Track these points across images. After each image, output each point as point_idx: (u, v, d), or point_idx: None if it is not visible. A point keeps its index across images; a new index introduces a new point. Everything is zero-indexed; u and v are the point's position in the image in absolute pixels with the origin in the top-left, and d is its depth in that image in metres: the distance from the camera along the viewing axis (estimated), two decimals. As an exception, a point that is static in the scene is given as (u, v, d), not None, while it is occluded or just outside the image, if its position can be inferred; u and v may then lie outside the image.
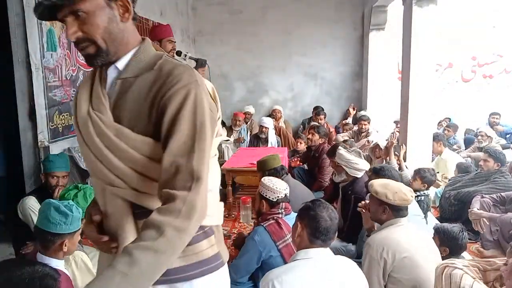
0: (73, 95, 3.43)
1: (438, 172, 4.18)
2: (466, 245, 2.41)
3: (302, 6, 7.08)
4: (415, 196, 3.03)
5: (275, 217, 2.42)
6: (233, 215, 4.15)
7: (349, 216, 3.00)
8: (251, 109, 6.77)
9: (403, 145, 4.31)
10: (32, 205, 2.60)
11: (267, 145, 5.54)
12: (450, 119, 6.58)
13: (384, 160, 4.05)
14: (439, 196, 4.07)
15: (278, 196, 2.48)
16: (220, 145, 5.36)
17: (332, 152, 3.51)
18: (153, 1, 5.29)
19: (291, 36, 7.21)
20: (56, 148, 3.20)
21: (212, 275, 1.10)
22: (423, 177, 3.35)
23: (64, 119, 3.34)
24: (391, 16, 6.54)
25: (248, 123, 6.53)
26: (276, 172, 3.21)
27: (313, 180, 4.49)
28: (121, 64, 1.04)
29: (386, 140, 4.36)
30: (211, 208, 1.00)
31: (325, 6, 7.08)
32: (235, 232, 3.70)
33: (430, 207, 3.45)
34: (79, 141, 1.08)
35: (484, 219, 3.15)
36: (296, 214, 1.90)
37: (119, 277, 0.81)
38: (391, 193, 2.11)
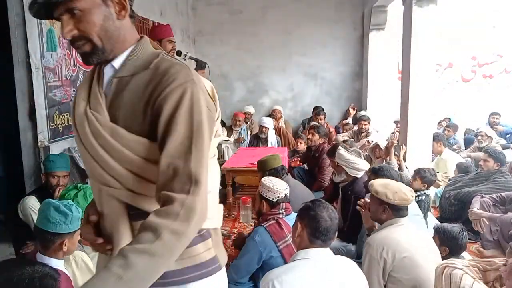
0: (73, 95, 3.43)
1: (438, 172, 4.18)
2: (466, 245, 2.41)
3: (302, 6, 7.08)
4: (416, 196, 3.03)
5: (275, 218, 2.42)
6: (233, 215, 4.15)
7: (349, 216, 3.00)
8: (251, 109, 6.77)
9: (403, 145, 4.31)
10: (32, 205, 2.60)
11: (267, 145, 5.54)
12: (450, 119, 6.58)
13: (384, 160, 4.05)
14: (439, 196, 4.07)
15: (278, 196, 2.48)
16: (220, 145, 5.37)
17: (332, 152, 3.51)
18: (153, 1, 5.29)
19: (291, 36, 7.21)
20: (56, 148, 3.20)
21: (209, 279, 1.08)
22: (423, 177, 3.35)
23: (64, 119, 3.34)
24: (391, 16, 6.53)
25: (248, 123, 6.53)
26: (277, 172, 3.21)
27: (313, 180, 4.49)
28: (117, 62, 1.03)
29: (386, 140, 4.37)
30: (210, 210, 0.97)
31: (325, 6, 7.07)
32: (235, 232, 3.70)
33: (430, 207, 3.46)
34: (77, 141, 1.07)
35: (484, 219, 3.16)
36: (296, 214, 1.90)
37: (114, 279, 0.80)
38: (391, 193, 2.11)
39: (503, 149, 4.58)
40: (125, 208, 1.01)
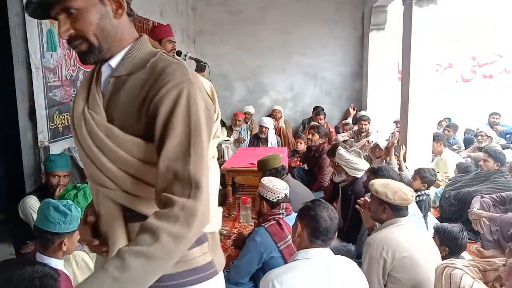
0: (73, 95, 3.43)
1: (438, 172, 4.18)
2: (466, 245, 2.41)
3: (302, 6, 7.08)
4: (416, 196, 3.03)
5: (276, 218, 2.42)
6: (233, 215, 4.15)
7: (349, 216, 3.00)
8: (251, 109, 6.77)
9: (403, 145, 4.31)
10: (33, 205, 2.61)
11: (267, 145, 5.54)
12: (450, 119, 6.58)
13: (384, 160, 4.05)
14: (439, 196, 4.07)
15: (278, 197, 2.48)
16: (220, 145, 5.37)
17: (332, 152, 3.51)
18: (153, 1, 5.29)
19: (291, 36, 7.20)
20: (56, 148, 3.20)
21: (204, 284, 1.05)
22: (423, 177, 3.35)
23: (64, 119, 3.34)
24: (391, 16, 6.53)
25: (248, 123, 6.53)
26: (277, 172, 3.21)
27: (313, 180, 4.49)
28: (114, 61, 1.02)
29: (386, 140, 4.36)
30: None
31: (325, 6, 7.07)
32: (235, 232, 3.70)
33: (430, 207, 3.46)
34: (75, 140, 1.05)
35: (484, 219, 3.16)
36: (296, 214, 1.90)
37: (109, 281, 0.79)
38: (391, 193, 2.11)
39: (503, 149, 4.58)
40: (120, 209, 1.00)
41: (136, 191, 0.97)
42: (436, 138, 4.59)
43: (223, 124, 6.36)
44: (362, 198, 2.47)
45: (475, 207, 3.32)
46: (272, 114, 6.79)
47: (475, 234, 3.40)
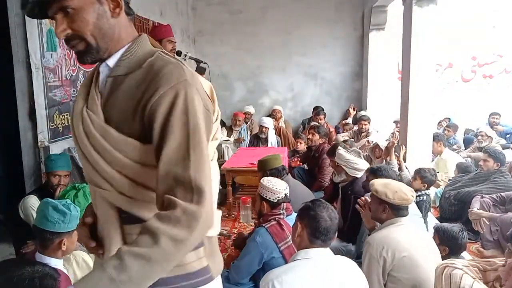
0: (73, 95, 3.43)
1: (438, 172, 4.18)
2: (465, 244, 2.41)
3: (302, 6, 7.08)
4: (416, 196, 3.03)
5: (276, 218, 2.41)
6: (233, 215, 4.15)
7: (349, 216, 3.00)
8: (251, 109, 6.77)
9: (403, 145, 4.31)
10: (33, 204, 2.61)
11: (267, 145, 5.54)
12: (450, 119, 6.58)
13: (384, 160, 4.05)
14: (439, 196, 4.07)
15: (278, 197, 2.47)
16: (220, 145, 5.37)
17: (332, 151, 3.51)
18: (153, 1, 5.29)
19: (291, 36, 7.20)
20: (56, 148, 3.20)
21: None
22: (423, 177, 3.35)
23: (64, 119, 3.34)
24: (391, 16, 6.53)
25: (248, 123, 6.53)
26: (278, 172, 3.21)
27: (313, 180, 4.49)
28: (112, 61, 1.00)
29: (387, 140, 4.36)
30: None
31: (325, 6, 7.07)
32: (235, 232, 3.71)
33: (430, 207, 3.46)
34: (73, 140, 1.05)
35: (484, 219, 3.16)
36: (296, 214, 1.90)
37: (107, 280, 0.78)
38: (391, 192, 2.11)
39: (503, 149, 4.58)
40: (116, 211, 0.99)
41: (132, 193, 0.96)
42: (436, 138, 4.59)
43: (223, 124, 6.36)
44: (363, 198, 2.47)
45: (475, 207, 3.32)
46: (272, 114, 6.79)
47: (475, 234, 3.40)
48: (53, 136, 3.21)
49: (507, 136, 6.08)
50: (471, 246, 3.32)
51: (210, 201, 0.89)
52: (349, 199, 3.05)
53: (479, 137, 5.40)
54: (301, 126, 7.10)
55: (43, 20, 3.02)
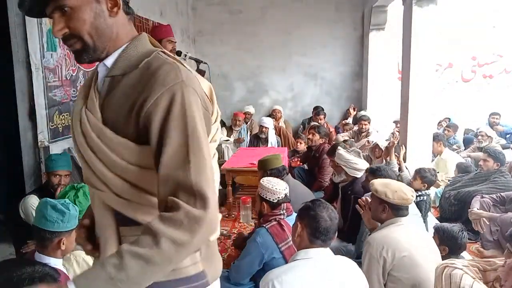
0: (73, 95, 3.43)
1: (438, 172, 4.18)
2: (465, 244, 2.41)
3: (302, 6, 7.08)
4: (416, 196, 3.03)
5: (277, 219, 2.41)
6: (233, 215, 4.15)
7: (349, 216, 3.00)
8: (251, 109, 6.77)
9: (403, 146, 4.30)
10: (33, 204, 2.60)
11: (267, 145, 5.54)
12: (450, 119, 6.58)
13: (384, 160, 4.05)
14: (439, 196, 4.07)
15: (278, 197, 2.47)
16: (220, 145, 5.37)
17: (332, 151, 3.51)
18: (153, 1, 5.29)
19: (291, 36, 7.20)
20: (56, 148, 3.20)
21: None
22: (424, 177, 3.35)
23: (64, 119, 3.34)
24: (391, 16, 6.53)
25: (248, 123, 6.53)
26: (278, 172, 3.21)
27: (313, 180, 4.49)
28: (109, 61, 0.99)
29: (387, 140, 4.36)
30: None
31: (325, 6, 7.07)
32: (235, 232, 3.71)
33: (430, 207, 3.45)
34: (72, 140, 1.04)
35: (484, 219, 3.16)
36: (296, 214, 1.90)
37: (105, 277, 0.78)
38: (391, 192, 2.11)
39: (503, 149, 4.58)
40: (112, 213, 0.98)
41: (128, 195, 0.95)
42: (436, 138, 4.59)
43: (223, 124, 6.36)
44: (363, 198, 2.46)
45: (475, 207, 3.32)
46: (272, 114, 6.79)
47: (475, 234, 3.39)
48: (53, 136, 3.21)
49: (507, 136, 6.09)
50: (471, 246, 3.32)
51: (215, 206, 0.87)
52: (349, 199, 3.05)
53: (479, 137, 5.40)
54: (301, 126, 7.10)
55: (43, 20, 3.02)
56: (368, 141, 5.23)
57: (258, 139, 5.62)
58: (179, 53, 3.15)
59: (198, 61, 3.20)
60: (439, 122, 6.50)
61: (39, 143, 3.05)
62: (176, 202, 0.84)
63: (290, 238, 2.29)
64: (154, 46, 1.04)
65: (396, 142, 4.14)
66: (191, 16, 7.20)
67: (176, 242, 0.81)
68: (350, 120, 6.83)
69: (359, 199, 2.49)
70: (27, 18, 2.87)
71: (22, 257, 2.40)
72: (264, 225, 2.39)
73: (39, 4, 0.94)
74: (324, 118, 6.43)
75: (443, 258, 2.10)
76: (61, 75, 3.29)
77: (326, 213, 1.75)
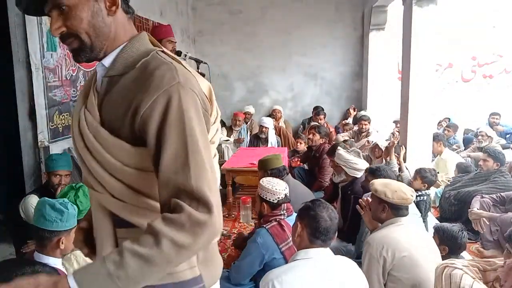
0: (73, 95, 3.43)
1: (438, 173, 4.18)
2: (465, 244, 2.41)
3: (302, 6, 7.08)
4: (416, 196, 3.03)
5: (277, 219, 2.40)
6: (233, 215, 4.15)
7: (349, 216, 3.00)
8: (251, 109, 6.77)
9: (403, 146, 4.30)
10: (34, 204, 2.59)
11: (267, 145, 5.54)
12: (450, 119, 6.58)
13: (384, 160, 4.05)
14: (439, 196, 4.07)
15: (278, 198, 2.46)
16: (220, 145, 5.37)
17: (332, 151, 3.52)
18: (153, 1, 5.29)
19: (291, 36, 7.21)
20: (56, 148, 3.20)
21: None
22: (424, 177, 3.34)
23: (64, 119, 3.34)
24: (391, 16, 6.53)
25: (248, 123, 6.53)
26: (278, 172, 3.21)
27: (313, 180, 4.49)
28: (107, 60, 0.98)
29: (387, 140, 4.36)
30: None
31: (325, 6, 7.08)
32: (235, 232, 3.71)
33: (430, 207, 3.45)
34: (72, 140, 1.03)
35: (484, 219, 3.16)
36: (296, 214, 1.90)
37: (104, 274, 0.78)
38: (391, 192, 2.11)
39: (503, 149, 4.58)
40: (109, 215, 0.97)
41: (124, 197, 0.94)
42: (436, 138, 4.58)
43: (223, 124, 6.35)
44: (364, 199, 2.45)
45: (475, 207, 3.32)
46: (272, 114, 6.79)
47: (475, 234, 3.39)
48: (53, 136, 3.21)
49: (507, 136, 6.09)
50: (471, 246, 3.32)
51: (218, 211, 0.86)
52: (349, 199, 3.05)
53: (479, 137, 5.40)
54: (301, 126, 7.11)
55: (43, 20, 3.02)
56: (368, 141, 5.23)
57: (258, 139, 5.62)
58: (179, 53, 3.15)
59: (198, 61, 3.20)
60: (439, 122, 6.50)
61: (39, 143, 3.05)
62: (179, 204, 0.83)
63: (291, 239, 2.29)
64: (154, 45, 1.03)
65: (396, 142, 4.14)
66: (191, 16, 7.20)
67: (177, 244, 0.81)
68: (350, 120, 6.83)
69: (360, 200, 2.49)
70: (27, 18, 2.88)
71: (22, 257, 2.40)
72: (265, 226, 2.39)
73: (35, 2, 0.94)
74: (324, 118, 6.43)
75: (443, 258, 2.10)
76: (61, 75, 3.29)
77: (326, 213, 1.75)
